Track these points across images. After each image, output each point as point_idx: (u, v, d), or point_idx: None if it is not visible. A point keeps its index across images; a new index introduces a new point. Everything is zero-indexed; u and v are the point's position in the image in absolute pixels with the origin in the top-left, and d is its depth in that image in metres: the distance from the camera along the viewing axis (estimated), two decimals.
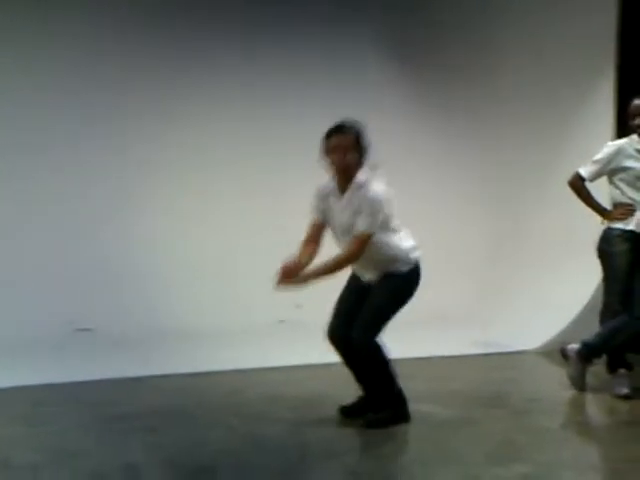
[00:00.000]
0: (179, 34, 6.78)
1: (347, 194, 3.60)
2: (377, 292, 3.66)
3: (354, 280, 3.78)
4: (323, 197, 3.69)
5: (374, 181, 3.58)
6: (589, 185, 4.36)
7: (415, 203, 7.03)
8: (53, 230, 6.33)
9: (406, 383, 4.57)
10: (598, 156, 4.32)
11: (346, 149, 3.55)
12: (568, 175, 4.42)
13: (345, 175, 3.59)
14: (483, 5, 6.88)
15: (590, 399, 4.32)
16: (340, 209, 3.61)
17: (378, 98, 7.13)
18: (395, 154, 7.21)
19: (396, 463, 3.14)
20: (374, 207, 3.51)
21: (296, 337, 5.75)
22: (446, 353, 5.42)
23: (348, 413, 3.77)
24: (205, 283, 6.47)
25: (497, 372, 5.00)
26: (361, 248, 3.52)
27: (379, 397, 3.71)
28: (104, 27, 6.57)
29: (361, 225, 3.52)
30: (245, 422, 3.77)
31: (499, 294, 6.55)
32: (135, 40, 6.63)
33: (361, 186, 3.55)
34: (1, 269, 6.10)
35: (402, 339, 5.75)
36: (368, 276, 3.70)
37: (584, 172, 4.33)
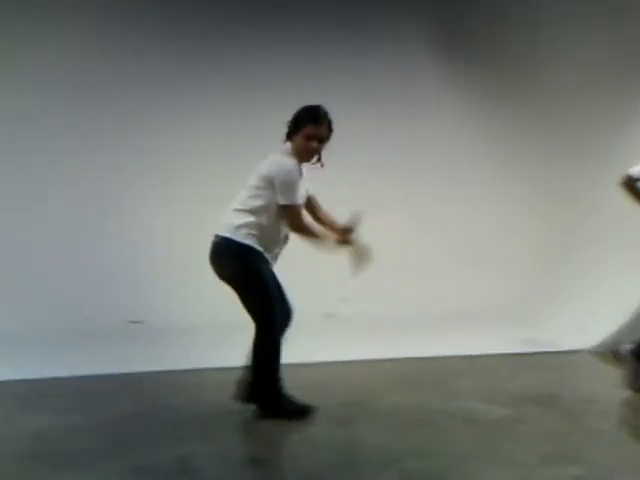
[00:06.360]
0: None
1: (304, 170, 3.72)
2: None
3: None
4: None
5: None
6: None
7: (467, 201, 7.01)
8: (109, 227, 6.48)
9: (456, 381, 4.57)
10: None
11: (323, 140, 3.62)
12: (622, 174, 4.32)
13: (309, 160, 3.67)
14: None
15: None
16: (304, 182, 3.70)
17: (428, 97, 7.15)
18: (446, 155, 7.21)
19: (447, 462, 3.12)
20: None
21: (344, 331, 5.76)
22: (496, 351, 5.36)
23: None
24: None
25: (549, 371, 4.94)
26: None
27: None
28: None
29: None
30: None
31: (551, 292, 6.45)
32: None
33: None
34: (54, 261, 6.26)
35: (451, 337, 5.76)
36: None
37: (634, 172, 4.23)
